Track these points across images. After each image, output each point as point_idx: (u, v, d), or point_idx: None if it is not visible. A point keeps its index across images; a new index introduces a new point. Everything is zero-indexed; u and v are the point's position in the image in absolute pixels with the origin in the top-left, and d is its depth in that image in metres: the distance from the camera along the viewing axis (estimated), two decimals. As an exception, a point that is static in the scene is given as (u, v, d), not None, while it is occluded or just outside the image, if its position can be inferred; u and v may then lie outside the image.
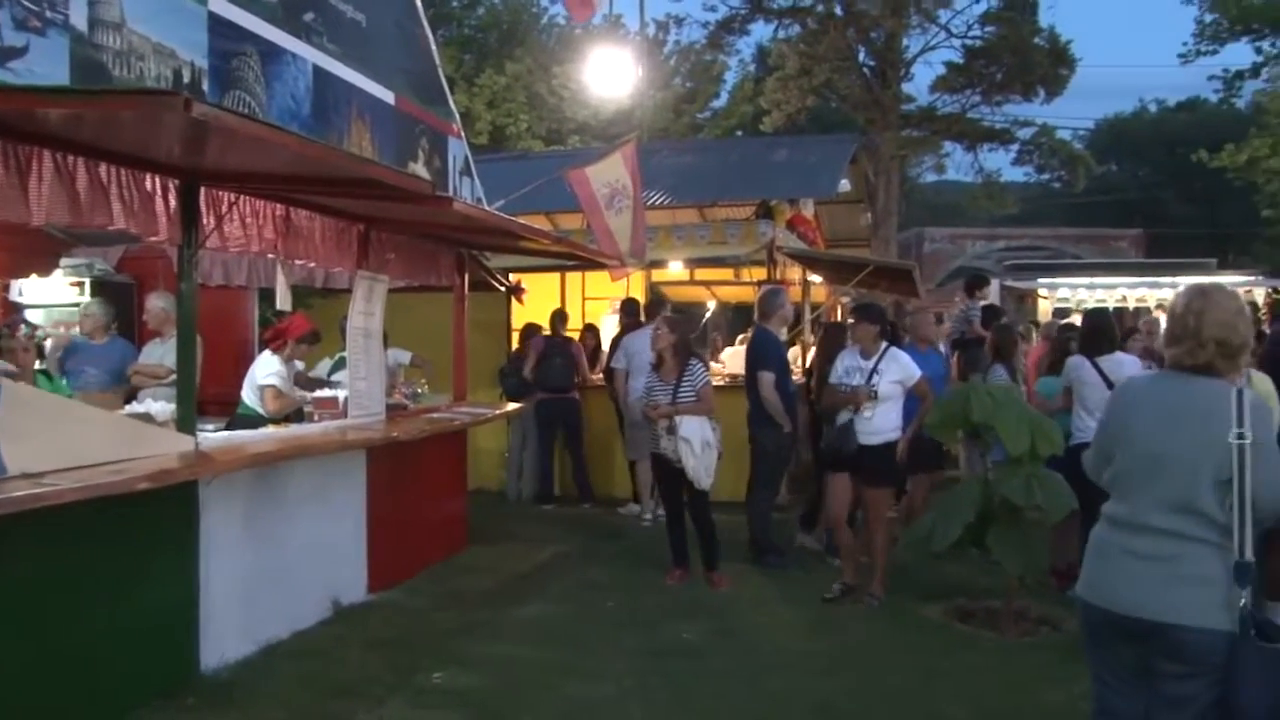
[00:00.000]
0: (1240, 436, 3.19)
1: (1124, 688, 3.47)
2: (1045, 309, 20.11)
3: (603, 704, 5.38)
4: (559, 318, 11.47)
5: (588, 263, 11.04)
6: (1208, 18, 27.13)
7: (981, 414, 6.46)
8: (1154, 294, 19.44)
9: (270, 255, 6.90)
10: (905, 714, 5.30)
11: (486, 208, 9.02)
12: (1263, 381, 4.33)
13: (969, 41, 26.51)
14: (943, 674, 5.82)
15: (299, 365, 8.19)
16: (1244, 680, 3.16)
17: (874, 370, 7.23)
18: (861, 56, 26.52)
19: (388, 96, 8.76)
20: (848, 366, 7.36)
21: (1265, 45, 27.06)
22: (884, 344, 7.39)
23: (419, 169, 9.22)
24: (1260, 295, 19.36)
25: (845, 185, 15.01)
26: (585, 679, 5.73)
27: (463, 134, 10.48)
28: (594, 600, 7.36)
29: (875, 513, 7.32)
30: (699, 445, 7.51)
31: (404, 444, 7.59)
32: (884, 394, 7.17)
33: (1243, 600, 3.17)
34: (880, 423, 7.19)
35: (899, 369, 7.29)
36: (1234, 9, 26.16)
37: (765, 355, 8.37)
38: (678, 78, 30.61)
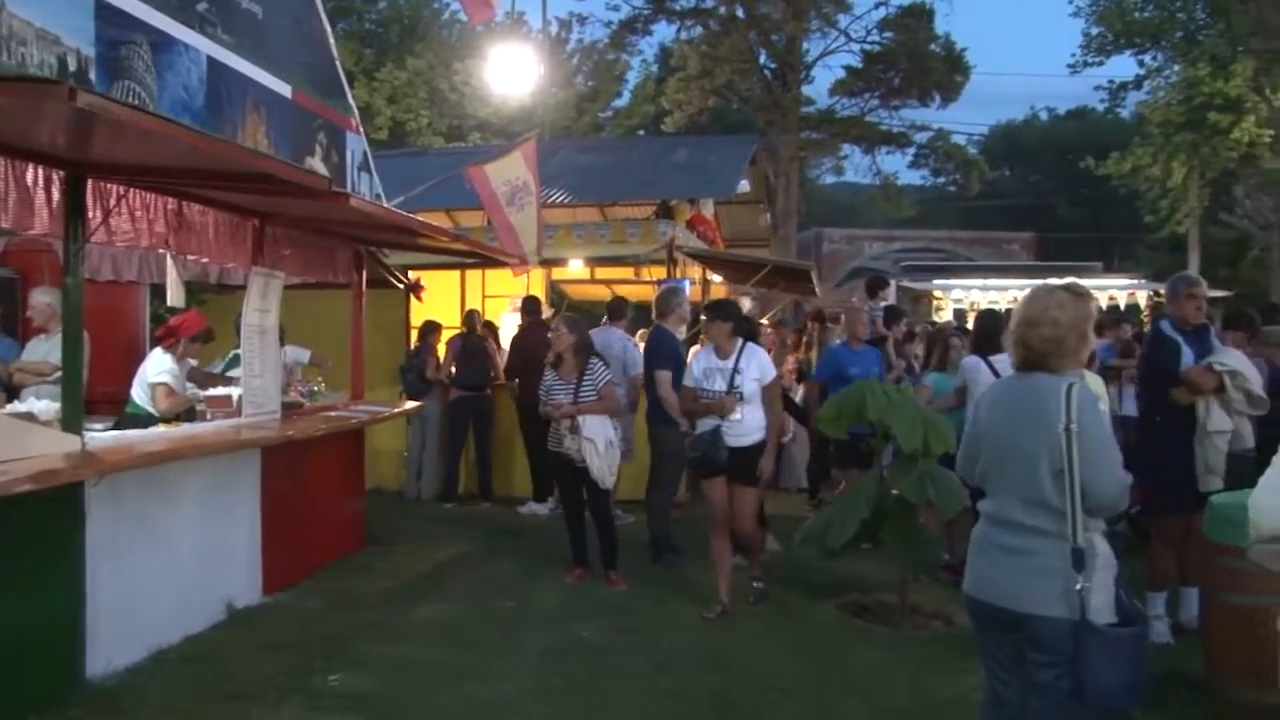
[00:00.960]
0: (1068, 428, 3.37)
1: (1008, 675, 3.64)
2: (941, 309, 20.52)
3: (502, 704, 5.35)
4: (474, 316, 11.51)
5: (488, 260, 10.99)
6: (1094, 30, 27.96)
7: (877, 412, 6.56)
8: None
9: (161, 250, 6.73)
10: (801, 709, 5.35)
11: (385, 204, 8.92)
12: (1096, 383, 4.49)
13: (868, 46, 27.04)
14: (838, 668, 5.90)
15: (192, 362, 8.00)
16: (1086, 663, 3.34)
17: (735, 370, 6.87)
18: (762, 59, 26.87)
19: (284, 90, 8.61)
20: (706, 368, 6.98)
21: (1147, 59, 28.04)
22: (740, 341, 7.00)
23: (316, 164, 9.08)
24: (1143, 298, 19.99)
25: (745, 186, 15.16)
26: (484, 679, 5.69)
27: (361, 129, 10.35)
28: (493, 600, 7.32)
29: (744, 508, 7.02)
30: (602, 444, 7.51)
31: (300, 443, 7.47)
32: (749, 395, 6.85)
33: (1079, 585, 3.34)
34: (749, 423, 6.88)
35: (758, 367, 6.96)
36: (1118, 23, 27.02)
37: (662, 354, 8.38)
38: (580, 76, 30.63)
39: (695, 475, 7.15)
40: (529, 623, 6.78)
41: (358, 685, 5.56)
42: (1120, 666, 3.35)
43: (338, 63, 9.93)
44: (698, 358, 7.21)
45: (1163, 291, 18.88)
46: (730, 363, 6.90)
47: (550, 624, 6.75)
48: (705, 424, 6.91)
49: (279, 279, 7.58)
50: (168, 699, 5.27)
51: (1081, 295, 3.61)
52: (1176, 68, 27.02)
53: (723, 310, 7.17)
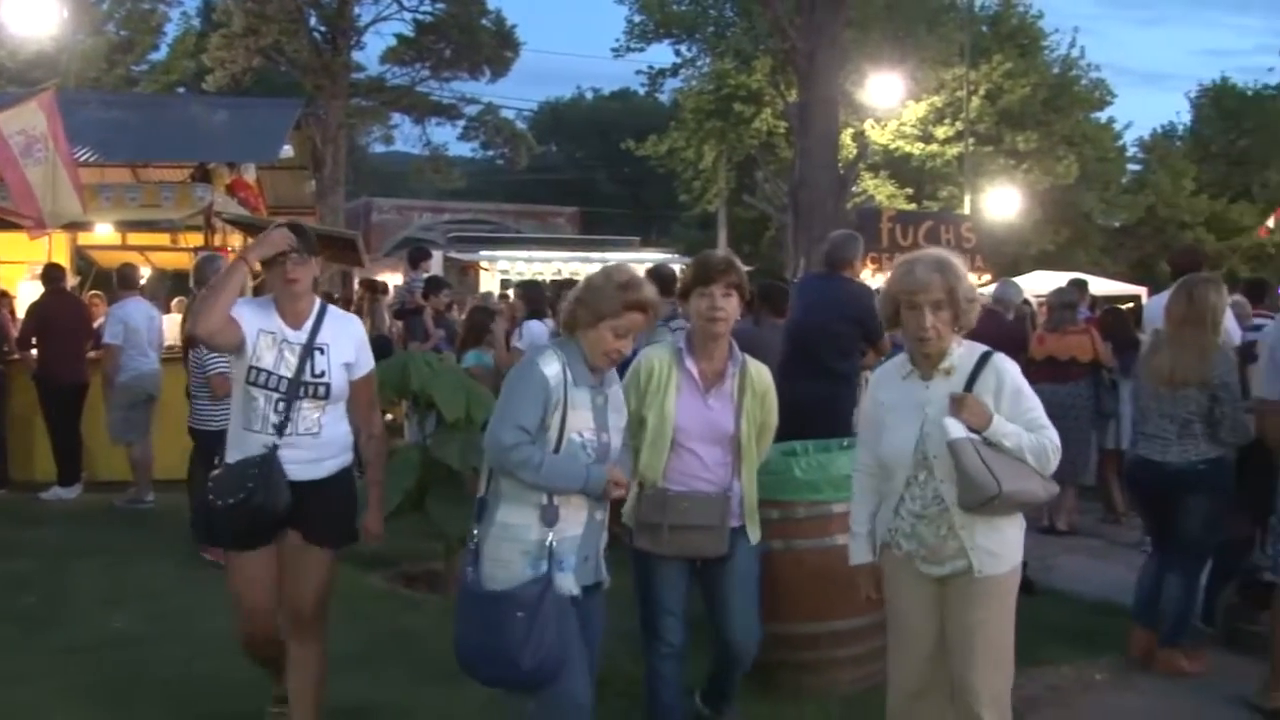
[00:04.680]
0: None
1: None
2: (486, 280, 21.07)
3: (20, 711, 4.93)
4: None
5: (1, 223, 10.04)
6: (637, 18, 29.73)
7: (419, 382, 6.66)
8: (585, 268, 21.03)
9: None
10: (352, 678, 5.34)
11: None
12: (760, 373, 4.49)
13: (420, 16, 27.12)
14: (387, 638, 5.95)
15: None
16: (457, 616, 3.61)
17: (312, 348, 4.03)
18: (312, 21, 26.27)
19: None
20: (264, 330, 4.00)
21: (683, 49, 30.28)
22: (318, 301, 4.17)
23: None
24: (679, 271, 21.64)
25: (288, 150, 14.81)
26: (1, 686, 5.23)
27: None
28: (12, 597, 6.71)
29: (311, 586, 4.14)
30: None
31: None
32: (337, 390, 4.09)
33: (474, 532, 3.61)
34: (328, 440, 4.11)
35: (353, 346, 4.19)
36: (658, 13, 28.93)
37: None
38: (111, 24, 28.31)
39: (220, 543, 4.60)
40: (55, 619, 6.29)
41: None
42: (461, 625, 3.55)
43: None
44: (245, 310, 4.02)
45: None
46: (304, 334, 4.05)
47: (79, 618, 6.30)
48: (241, 443, 4.01)
49: None
50: None
51: (610, 274, 3.81)
52: (708, 59, 29.38)
53: (306, 238, 4.07)
